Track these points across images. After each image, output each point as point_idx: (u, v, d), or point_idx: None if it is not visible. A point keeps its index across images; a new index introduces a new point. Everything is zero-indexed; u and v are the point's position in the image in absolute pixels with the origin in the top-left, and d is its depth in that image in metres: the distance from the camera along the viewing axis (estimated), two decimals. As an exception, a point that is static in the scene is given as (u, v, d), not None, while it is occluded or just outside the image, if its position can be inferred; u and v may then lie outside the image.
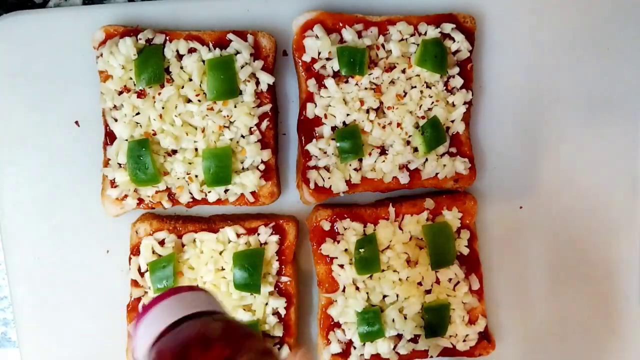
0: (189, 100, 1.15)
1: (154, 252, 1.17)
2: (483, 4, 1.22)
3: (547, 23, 1.23)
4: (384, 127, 1.16)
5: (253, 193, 1.18)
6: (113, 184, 1.17)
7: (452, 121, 1.19)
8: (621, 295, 1.28)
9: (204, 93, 1.14)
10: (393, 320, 1.18)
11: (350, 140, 1.15)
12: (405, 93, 1.17)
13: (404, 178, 1.18)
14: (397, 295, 1.18)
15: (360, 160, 1.17)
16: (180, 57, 1.15)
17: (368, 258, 1.16)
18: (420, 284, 1.19)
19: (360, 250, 1.16)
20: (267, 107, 1.17)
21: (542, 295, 1.27)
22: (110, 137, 1.16)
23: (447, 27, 1.17)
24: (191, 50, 1.15)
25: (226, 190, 1.18)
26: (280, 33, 1.20)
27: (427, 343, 1.20)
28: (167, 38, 1.16)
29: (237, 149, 1.16)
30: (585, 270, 1.27)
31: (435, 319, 1.18)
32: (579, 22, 1.23)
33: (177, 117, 1.14)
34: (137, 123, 1.15)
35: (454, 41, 1.17)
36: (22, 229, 1.23)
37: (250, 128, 1.16)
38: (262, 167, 1.17)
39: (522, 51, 1.23)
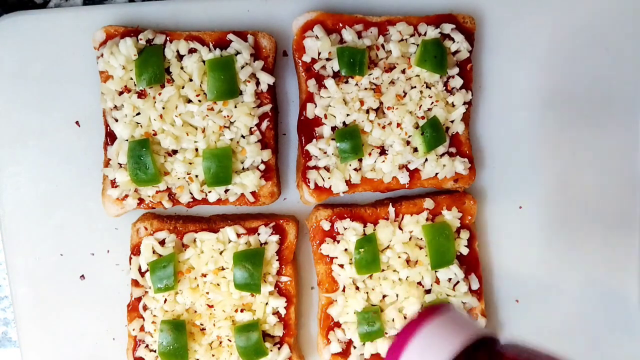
0: (190, 101, 1.15)
1: (154, 251, 1.17)
2: (483, 5, 1.22)
3: (546, 23, 1.23)
4: (383, 127, 1.16)
5: (253, 193, 1.18)
6: (114, 184, 1.17)
7: (452, 121, 1.19)
8: (621, 295, 1.28)
9: (205, 93, 1.15)
10: (393, 320, 1.18)
11: (350, 140, 1.15)
12: (405, 93, 1.17)
13: (403, 178, 1.18)
14: (397, 295, 1.18)
15: (360, 160, 1.17)
16: (180, 57, 1.15)
17: (368, 258, 1.16)
18: (420, 283, 1.19)
19: (360, 250, 1.16)
20: (267, 107, 1.17)
21: (541, 295, 1.27)
22: (110, 137, 1.17)
23: (447, 28, 1.17)
24: (191, 51, 1.15)
25: (226, 190, 1.18)
26: (281, 33, 1.20)
27: (427, 343, 1.20)
28: (168, 38, 1.16)
29: (238, 149, 1.16)
30: (585, 270, 1.27)
31: (435, 319, 1.18)
32: (578, 22, 1.23)
33: (177, 117, 1.14)
34: (138, 123, 1.15)
35: (454, 41, 1.17)
36: (23, 229, 1.23)
37: (251, 128, 1.17)
38: (262, 167, 1.17)
39: (521, 51, 1.23)
